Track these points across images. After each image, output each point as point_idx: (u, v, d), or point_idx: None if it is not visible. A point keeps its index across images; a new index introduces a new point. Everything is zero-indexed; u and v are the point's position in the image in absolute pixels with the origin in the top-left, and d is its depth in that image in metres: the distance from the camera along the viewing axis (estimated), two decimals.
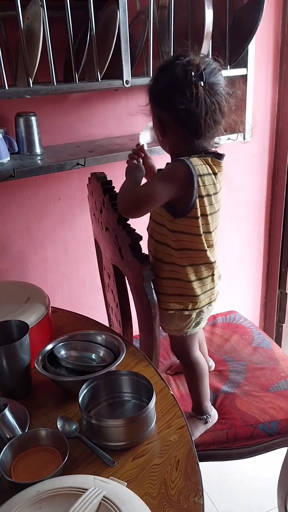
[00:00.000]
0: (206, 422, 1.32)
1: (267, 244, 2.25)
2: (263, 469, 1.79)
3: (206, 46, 1.42)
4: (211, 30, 1.39)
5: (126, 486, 0.76)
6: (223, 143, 1.38)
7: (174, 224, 1.11)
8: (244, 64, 1.57)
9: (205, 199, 1.07)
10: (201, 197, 1.06)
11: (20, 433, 0.86)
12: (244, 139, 1.69)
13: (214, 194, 1.09)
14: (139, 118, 1.64)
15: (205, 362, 1.33)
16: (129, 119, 1.69)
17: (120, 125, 1.69)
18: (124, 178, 1.18)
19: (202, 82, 1.00)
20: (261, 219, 2.19)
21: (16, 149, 1.44)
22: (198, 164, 1.05)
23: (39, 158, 1.41)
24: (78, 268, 1.78)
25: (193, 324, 1.22)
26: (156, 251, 1.19)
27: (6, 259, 1.63)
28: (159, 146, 1.19)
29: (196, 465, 0.80)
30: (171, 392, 0.98)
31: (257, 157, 2.06)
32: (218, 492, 1.75)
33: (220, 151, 1.15)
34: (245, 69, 1.57)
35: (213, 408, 1.35)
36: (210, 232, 1.12)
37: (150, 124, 1.21)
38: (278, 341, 2.34)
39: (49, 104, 1.52)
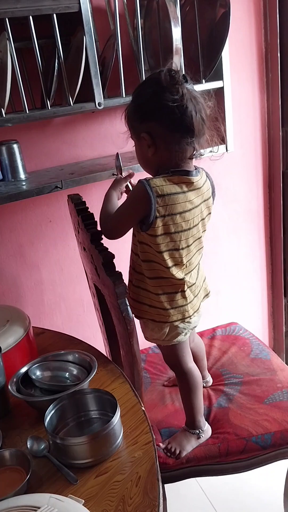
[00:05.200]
0: (199, 437, 1.31)
1: (269, 252, 2.21)
2: (272, 481, 1.74)
3: (177, 62, 1.44)
4: (180, 46, 1.42)
5: (84, 504, 0.77)
6: (206, 156, 1.39)
7: (141, 235, 1.12)
8: (220, 77, 1.58)
9: (168, 218, 1.07)
10: (162, 216, 1.06)
11: None
12: (227, 151, 1.70)
13: (181, 213, 1.08)
14: (125, 136, 1.67)
15: (199, 375, 1.32)
16: (115, 138, 1.72)
17: (105, 145, 1.72)
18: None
19: (186, 84, 1.03)
20: (260, 228, 2.17)
21: (1, 177, 1.49)
22: (158, 185, 1.05)
23: (23, 183, 1.45)
24: (75, 288, 1.80)
25: (169, 337, 1.21)
26: (131, 258, 1.21)
27: (1, 283, 1.67)
28: None
29: (157, 481, 0.80)
30: (142, 408, 0.98)
31: (251, 167, 2.04)
32: (226, 507, 1.71)
33: (203, 164, 1.15)
34: (221, 81, 1.58)
35: (206, 423, 1.34)
36: (178, 250, 1.11)
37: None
38: None
39: (32, 130, 1.56)
